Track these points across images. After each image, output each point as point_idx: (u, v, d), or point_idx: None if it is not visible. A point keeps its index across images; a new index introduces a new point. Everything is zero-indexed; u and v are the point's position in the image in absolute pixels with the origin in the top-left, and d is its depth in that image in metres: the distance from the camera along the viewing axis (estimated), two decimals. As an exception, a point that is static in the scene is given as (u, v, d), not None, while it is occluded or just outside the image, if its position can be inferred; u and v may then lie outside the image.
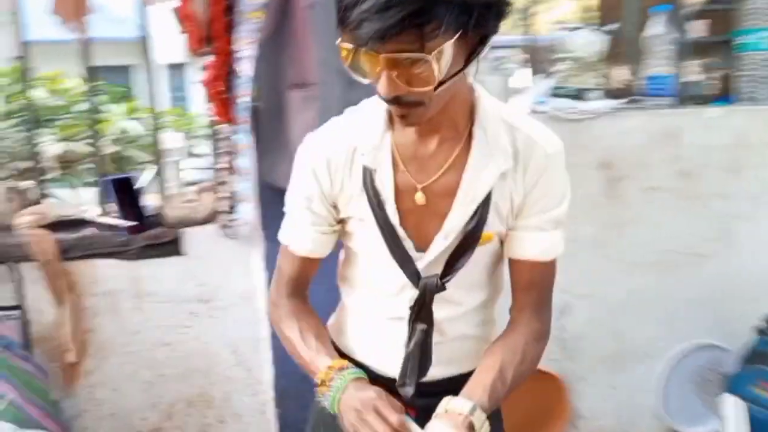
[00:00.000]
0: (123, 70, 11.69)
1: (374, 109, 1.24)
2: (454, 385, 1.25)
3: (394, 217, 1.21)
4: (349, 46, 1.03)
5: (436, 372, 1.30)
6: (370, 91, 2.24)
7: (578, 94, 2.39)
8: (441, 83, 1.05)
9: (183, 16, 2.09)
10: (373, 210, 1.22)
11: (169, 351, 2.26)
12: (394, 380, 1.29)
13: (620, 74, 2.65)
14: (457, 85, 1.12)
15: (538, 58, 2.56)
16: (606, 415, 2.49)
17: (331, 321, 1.44)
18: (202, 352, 2.29)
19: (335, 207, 1.26)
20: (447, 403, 1.14)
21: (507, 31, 2.65)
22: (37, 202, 2.30)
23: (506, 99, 2.35)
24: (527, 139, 1.22)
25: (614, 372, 2.46)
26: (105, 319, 2.21)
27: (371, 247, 1.25)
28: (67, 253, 2.15)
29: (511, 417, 1.94)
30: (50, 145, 3.03)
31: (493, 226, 1.23)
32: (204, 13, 2.08)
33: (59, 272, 2.13)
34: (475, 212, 1.21)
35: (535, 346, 1.24)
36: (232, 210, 2.18)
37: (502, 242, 1.29)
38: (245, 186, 2.14)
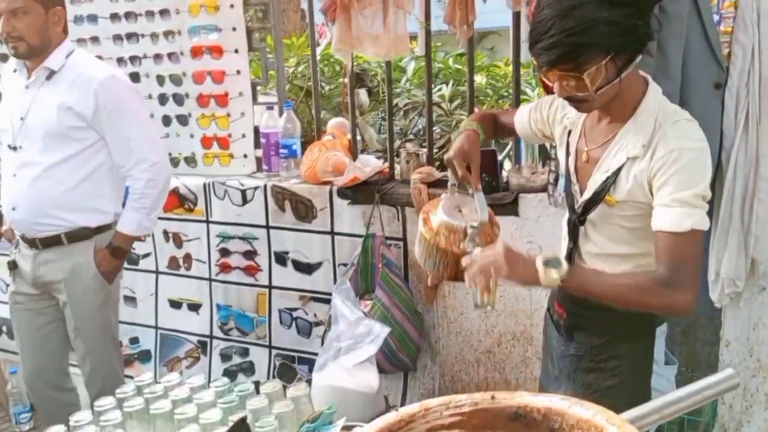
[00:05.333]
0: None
1: None
2: (596, 305, 1.67)
3: (572, 167, 1.75)
4: (535, 64, 1.58)
5: None
6: (676, 83, 2.43)
7: None
8: (599, 88, 1.52)
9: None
10: (566, 156, 1.77)
11: (502, 290, 2.80)
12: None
13: None
14: (624, 83, 1.55)
15: None
16: None
17: None
18: (527, 297, 2.77)
19: (551, 131, 1.89)
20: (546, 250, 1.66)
21: None
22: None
23: None
24: (663, 136, 1.56)
25: None
26: (457, 258, 2.86)
27: (563, 184, 1.85)
28: (436, 204, 2.85)
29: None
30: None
31: (616, 195, 1.63)
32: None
33: (428, 218, 2.85)
34: (605, 180, 1.64)
35: (652, 285, 1.55)
36: (555, 183, 2.59)
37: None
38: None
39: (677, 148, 1.53)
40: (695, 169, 1.54)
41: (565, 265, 1.56)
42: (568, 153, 1.77)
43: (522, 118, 1.96)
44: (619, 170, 1.61)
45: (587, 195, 1.69)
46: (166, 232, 3.36)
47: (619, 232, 1.69)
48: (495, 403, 1.01)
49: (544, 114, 1.89)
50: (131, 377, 3.48)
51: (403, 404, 2.97)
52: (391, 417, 0.95)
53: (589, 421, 0.94)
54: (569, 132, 1.79)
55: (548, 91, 2.57)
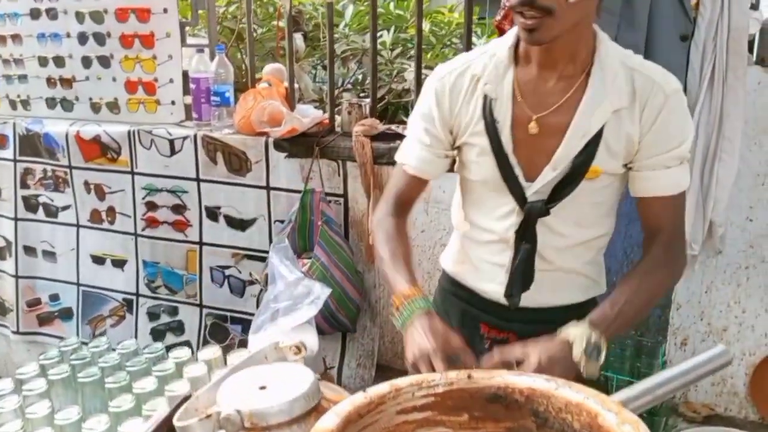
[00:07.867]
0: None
1: (500, 46, 1.40)
2: (557, 315, 1.39)
3: (508, 145, 1.37)
4: None
5: (541, 299, 1.46)
6: (642, 33, 2.33)
7: None
8: None
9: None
10: (489, 137, 1.37)
11: (442, 245, 2.70)
12: (495, 303, 1.49)
13: None
14: (582, 20, 1.27)
15: None
16: None
17: (445, 252, 1.66)
18: (472, 257, 2.68)
19: (452, 132, 1.44)
20: (566, 327, 1.26)
21: None
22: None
23: None
24: (646, 80, 1.31)
25: None
26: (401, 215, 2.73)
27: (485, 173, 1.41)
28: (380, 158, 2.70)
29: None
30: (410, 72, 3.60)
31: (601, 162, 1.33)
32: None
33: (371, 173, 2.71)
34: (585, 147, 1.32)
35: (657, 273, 1.34)
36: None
37: (622, 183, 1.41)
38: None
39: (669, 92, 1.30)
40: (686, 114, 1.35)
41: (602, 344, 1.23)
42: (494, 128, 1.37)
43: (422, 161, 1.46)
44: (601, 130, 1.32)
45: (553, 174, 1.35)
46: (87, 183, 3.12)
47: (585, 212, 1.40)
48: (472, 383, 0.90)
49: (437, 115, 1.43)
50: (54, 336, 3.33)
51: (340, 365, 2.87)
52: (359, 399, 0.84)
53: (581, 405, 0.84)
54: (490, 102, 1.37)
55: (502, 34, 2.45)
